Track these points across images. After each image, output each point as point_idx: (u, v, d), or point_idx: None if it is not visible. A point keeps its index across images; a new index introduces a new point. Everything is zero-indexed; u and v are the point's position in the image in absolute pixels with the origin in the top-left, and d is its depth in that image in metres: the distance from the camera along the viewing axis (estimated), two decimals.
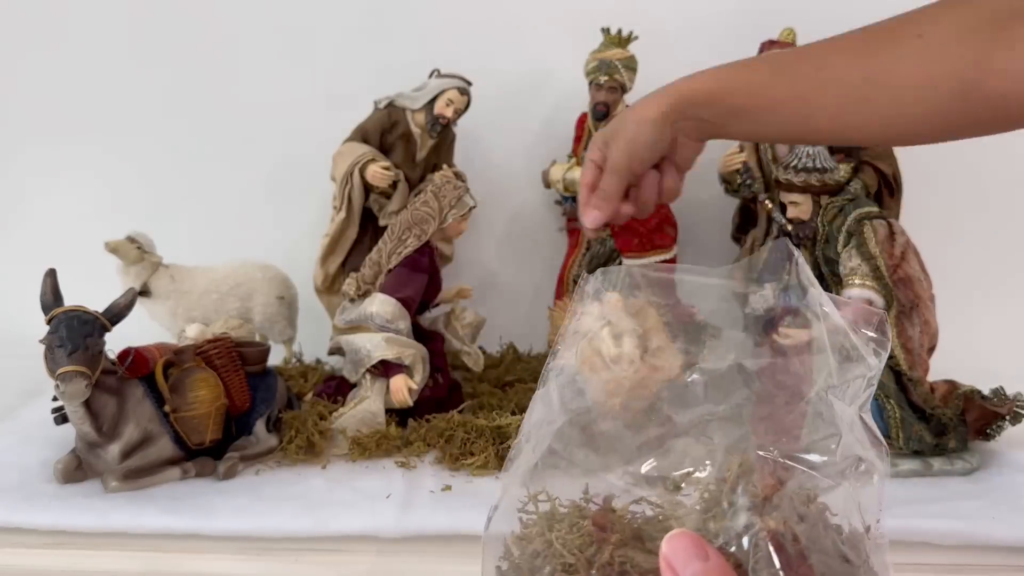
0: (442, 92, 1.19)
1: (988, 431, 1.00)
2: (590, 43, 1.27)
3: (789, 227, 1.12)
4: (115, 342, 0.89)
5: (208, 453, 0.94)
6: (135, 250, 1.14)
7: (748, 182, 1.24)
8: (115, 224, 1.17)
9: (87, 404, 0.84)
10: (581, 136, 1.32)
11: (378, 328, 1.06)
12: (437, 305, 1.20)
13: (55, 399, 0.86)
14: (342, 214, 1.20)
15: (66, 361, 0.81)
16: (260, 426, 0.98)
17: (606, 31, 1.26)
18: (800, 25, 1.21)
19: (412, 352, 1.06)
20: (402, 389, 1.04)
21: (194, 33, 1.41)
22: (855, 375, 0.42)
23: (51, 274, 0.87)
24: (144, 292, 1.15)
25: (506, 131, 1.42)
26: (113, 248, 1.13)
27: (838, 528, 0.39)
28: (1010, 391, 1.00)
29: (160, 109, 1.43)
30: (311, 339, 1.30)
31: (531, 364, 1.31)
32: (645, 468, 0.41)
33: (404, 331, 1.07)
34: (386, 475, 0.94)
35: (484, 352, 1.25)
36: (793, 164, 1.06)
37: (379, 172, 1.16)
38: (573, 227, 1.38)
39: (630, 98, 1.29)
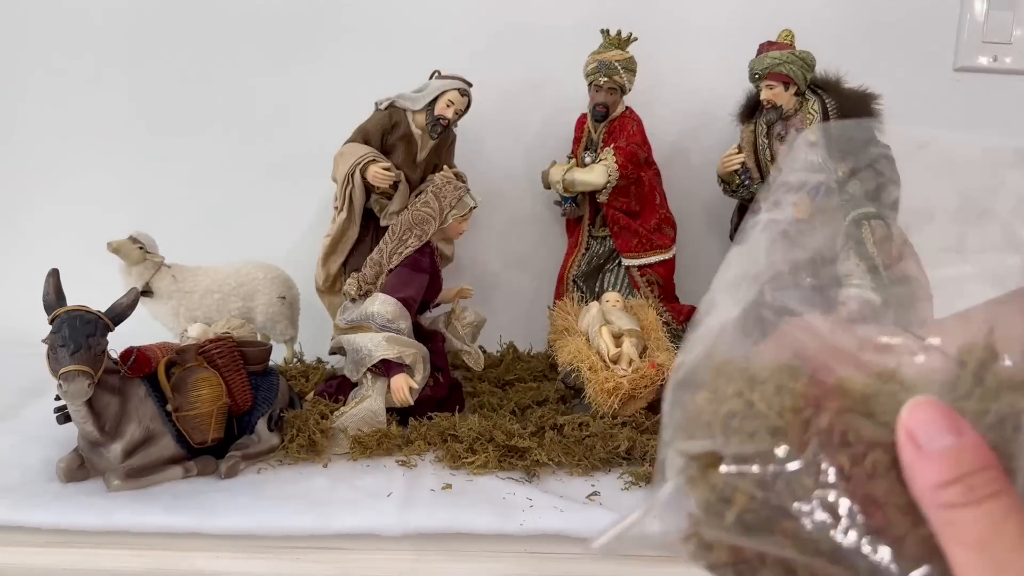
0: (443, 93, 1.20)
1: None
2: (589, 45, 1.27)
3: None
4: (117, 342, 0.90)
5: (210, 452, 0.94)
6: (137, 250, 1.15)
7: (747, 182, 1.25)
8: (117, 224, 1.18)
9: (89, 403, 0.84)
10: (580, 137, 1.33)
11: (379, 328, 1.07)
12: (438, 305, 1.21)
13: (57, 398, 0.86)
14: (343, 214, 1.20)
15: (69, 361, 0.81)
16: (262, 425, 0.99)
17: (605, 32, 1.26)
18: (798, 27, 1.22)
19: (413, 351, 1.07)
20: (403, 388, 1.05)
21: (195, 34, 1.42)
22: None
23: (54, 274, 0.87)
24: (146, 292, 1.15)
25: (506, 132, 1.42)
26: (115, 248, 1.13)
27: None
28: None
29: (162, 110, 1.43)
30: (312, 339, 1.31)
31: (531, 363, 1.32)
32: (879, 335, 0.34)
33: (405, 331, 1.08)
34: (387, 474, 0.94)
35: (484, 351, 1.26)
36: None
37: (380, 173, 1.16)
38: (573, 227, 1.38)
39: (629, 99, 1.30)
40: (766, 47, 1.20)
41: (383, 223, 1.21)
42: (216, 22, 1.41)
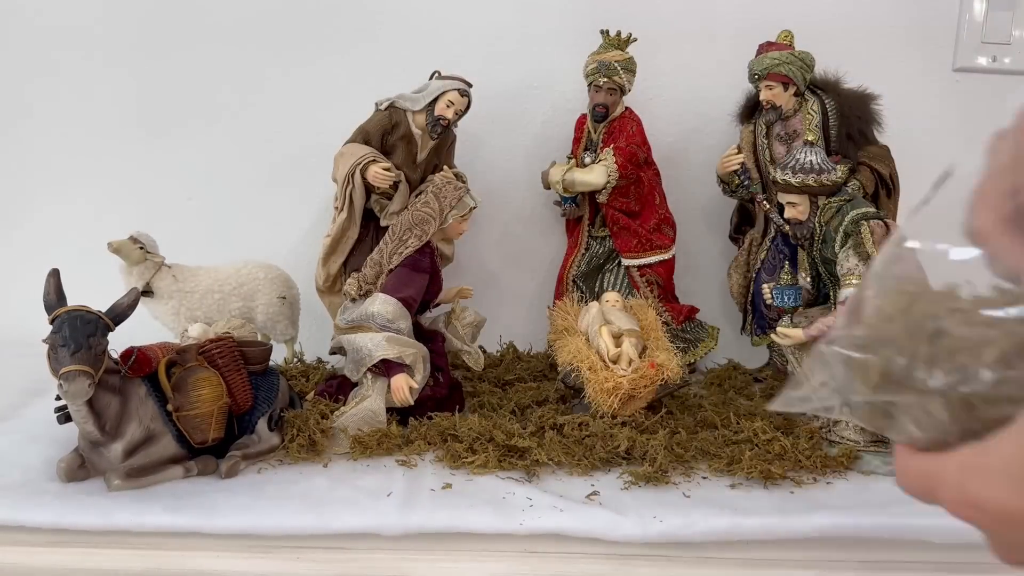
0: (443, 94, 1.20)
1: None
2: (589, 45, 1.28)
3: (787, 227, 1.13)
4: (118, 342, 0.90)
5: (210, 452, 0.94)
6: (138, 250, 1.15)
7: (746, 183, 1.25)
8: (118, 224, 1.18)
9: (90, 403, 0.84)
10: (580, 137, 1.33)
11: (379, 328, 1.07)
12: (438, 305, 1.21)
13: (58, 398, 0.86)
14: (343, 215, 1.20)
15: (69, 361, 0.82)
16: (262, 425, 0.99)
17: (605, 33, 1.27)
18: (797, 28, 1.22)
19: (413, 351, 1.07)
20: (403, 388, 1.05)
21: (197, 36, 1.42)
22: None
23: (54, 274, 0.87)
24: (147, 292, 1.15)
25: (506, 132, 1.42)
26: (116, 248, 1.13)
27: None
28: None
29: (163, 111, 1.44)
30: (313, 339, 1.31)
31: (531, 363, 1.32)
32: None
33: (405, 331, 1.08)
34: (387, 473, 0.94)
35: (484, 351, 1.26)
36: (791, 165, 1.07)
37: (380, 173, 1.17)
38: (572, 227, 1.38)
39: (629, 99, 1.30)
40: (765, 48, 1.20)
41: (383, 223, 1.21)
42: (217, 24, 1.41)
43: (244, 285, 1.22)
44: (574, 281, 1.36)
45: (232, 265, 1.23)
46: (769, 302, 1.18)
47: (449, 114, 1.20)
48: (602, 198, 1.28)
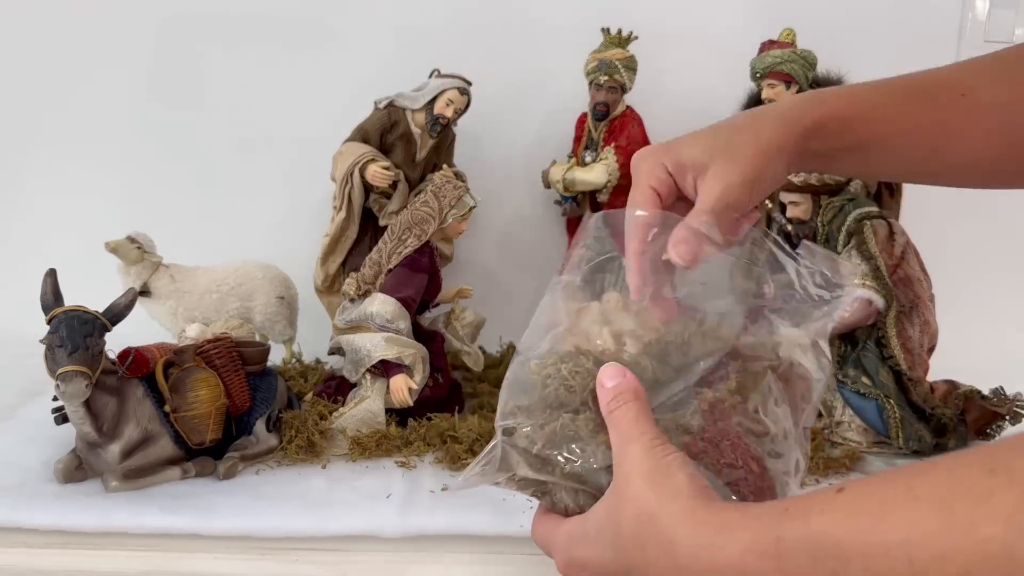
0: (442, 92, 1.19)
1: (988, 431, 1.00)
2: (590, 43, 1.27)
3: (789, 227, 1.12)
4: (115, 342, 0.89)
5: (208, 453, 0.94)
6: (135, 250, 1.14)
7: None
8: (115, 224, 1.17)
9: (87, 404, 0.84)
10: (581, 136, 1.32)
11: (378, 328, 1.06)
12: (437, 305, 1.20)
13: (55, 399, 0.86)
14: (342, 214, 1.20)
15: (66, 361, 0.81)
16: (260, 426, 0.98)
17: (606, 31, 1.26)
18: (799, 26, 1.21)
19: (412, 352, 1.07)
20: (402, 389, 1.04)
21: (195, 34, 1.41)
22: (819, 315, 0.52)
23: (51, 274, 0.87)
24: (144, 292, 1.15)
25: (506, 131, 1.42)
26: (113, 248, 1.13)
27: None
28: (1010, 391, 1.00)
29: (160, 110, 1.43)
30: (311, 339, 1.31)
31: None
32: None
33: (404, 331, 1.08)
34: (386, 475, 0.94)
35: (484, 352, 1.25)
36: None
37: (379, 172, 1.16)
38: (573, 227, 1.38)
39: (629, 98, 1.30)
40: (767, 46, 1.19)
41: (382, 223, 1.21)
42: (215, 22, 1.41)
43: (242, 285, 1.21)
44: None
45: (230, 265, 1.23)
46: None
47: (449, 112, 1.19)
48: (603, 197, 1.28)
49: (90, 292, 0.91)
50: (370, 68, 1.40)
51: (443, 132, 1.21)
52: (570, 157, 1.33)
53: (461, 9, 1.40)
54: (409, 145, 1.22)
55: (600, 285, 0.62)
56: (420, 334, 1.13)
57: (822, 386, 0.53)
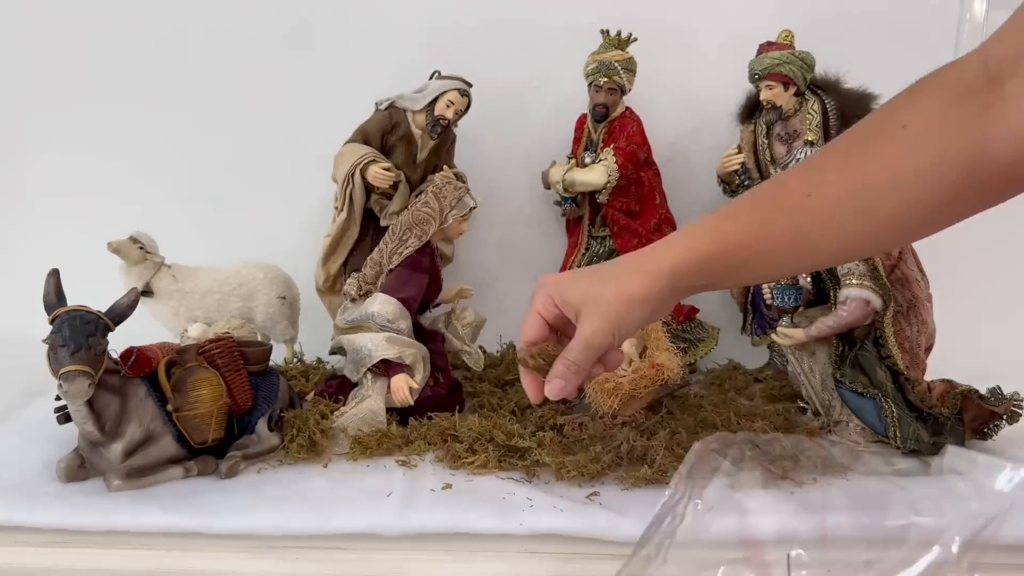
0: (443, 93, 1.20)
1: (985, 430, 1.01)
2: (589, 45, 1.28)
3: None
4: (118, 342, 0.90)
5: (210, 452, 0.94)
6: (138, 250, 1.15)
7: (747, 183, 1.25)
8: (118, 224, 1.18)
9: (90, 403, 0.84)
10: (580, 137, 1.33)
11: (379, 328, 1.07)
12: (438, 305, 1.21)
13: (58, 398, 0.86)
14: (343, 215, 1.20)
15: (69, 361, 0.81)
16: (262, 425, 0.99)
17: (605, 33, 1.27)
18: (797, 27, 1.22)
19: (413, 351, 1.07)
20: (403, 388, 1.05)
21: (196, 35, 1.42)
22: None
23: (54, 274, 0.87)
24: (147, 292, 1.15)
25: (506, 132, 1.42)
26: (116, 248, 1.13)
27: None
28: (1007, 391, 1.00)
29: (162, 110, 1.44)
30: (312, 339, 1.31)
31: None
32: None
33: (405, 331, 1.08)
34: (387, 474, 0.94)
35: (484, 352, 1.26)
36: (791, 165, 1.07)
37: (380, 173, 1.16)
38: (573, 227, 1.38)
39: (629, 99, 1.30)
40: (766, 47, 1.20)
41: (383, 223, 1.21)
42: (217, 22, 1.41)
43: (244, 285, 1.22)
44: None
45: (232, 265, 1.23)
46: (769, 302, 1.19)
47: (449, 114, 1.20)
48: (602, 198, 1.28)
49: (93, 292, 0.91)
50: (371, 69, 1.41)
51: (444, 133, 1.22)
52: (570, 158, 1.33)
53: (461, 10, 1.40)
54: (410, 146, 1.23)
55: None
56: (421, 334, 1.13)
57: None
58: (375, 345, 1.05)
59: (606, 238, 1.34)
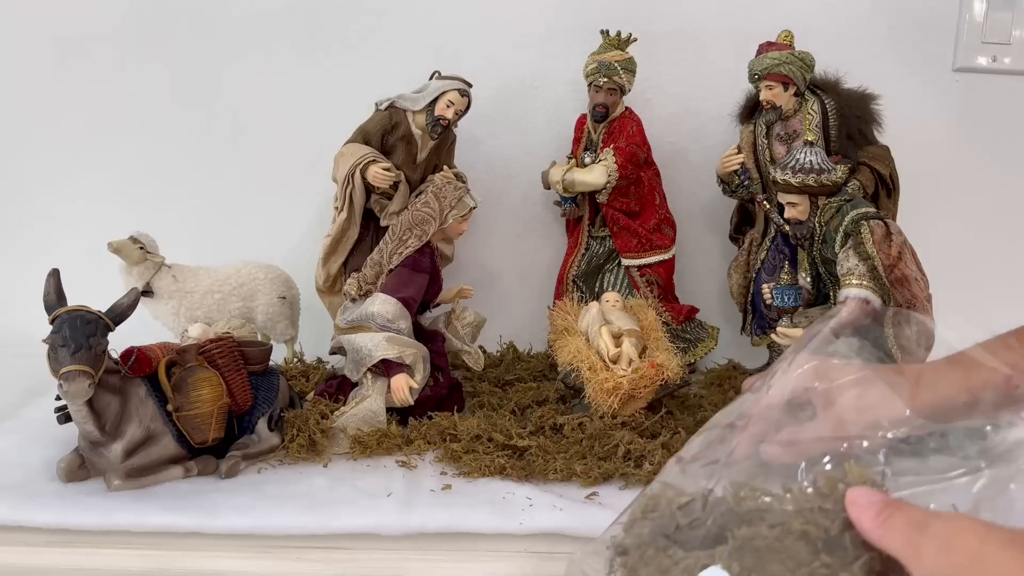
0: (443, 94, 1.20)
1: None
2: (589, 45, 1.28)
3: (787, 228, 1.13)
4: (118, 342, 0.90)
5: (210, 452, 0.94)
6: (138, 250, 1.15)
7: (746, 183, 1.25)
8: (118, 224, 1.18)
9: (90, 403, 0.84)
10: (580, 137, 1.33)
11: (379, 328, 1.07)
12: (438, 305, 1.21)
13: (58, 398, 0.86)
14: (343, 215, 1.20)
15: (69, 361, 0.81)
16: (262, 425, 0.99)
17: (605, 33, 1.27)
18: (797, 28, 1.22)
19: (413, 351, 1.07)
20: (403, 388, 1.05)
21: (196, 35, 1.42)
22: None
23: (54, 274, 0.87)
24: (147, 292, 1.15)
25: (506, 132, 1.42)
26: (116, 248, 1.13)
27: None
28: None
29: (163, 110, 1.44)
30: (313, 339, 1.31)
31: (531, 364, 1.32)
32: None
33: (405, 331, 1.08)
34: (387, 473, 0.94)
35: (484, 351, 1.26)
36: (791, 165, 1.07)
37: (380, 173, 1.17)
38: (572, 227, 1.38)
39: (629, 99, 1.30)
40: (765, 48, 1.20)
41: (383, 223, 1.21)
42: (218, 23, 1.41)
43: (244, 285, 1.22)
44: (574, 281, 1.36)
45: (232, 265, 1.23)
46: (769, 302, 1.18)
47: (449, 114, 1.20)
48: (602, 198, 1.28)
49: (93, 292, 0.92)
50: (371, 70, 1.41)
51: (444, 133, 1.22)
52: (569, 158, 1.33)
53: (462, 11, 1.40)
54: (410, 146, 1.23)
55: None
56: (421, 334, 1.13)
57: None
58: (375, 345, 1.05)
59: (606, 238, 1.34)
